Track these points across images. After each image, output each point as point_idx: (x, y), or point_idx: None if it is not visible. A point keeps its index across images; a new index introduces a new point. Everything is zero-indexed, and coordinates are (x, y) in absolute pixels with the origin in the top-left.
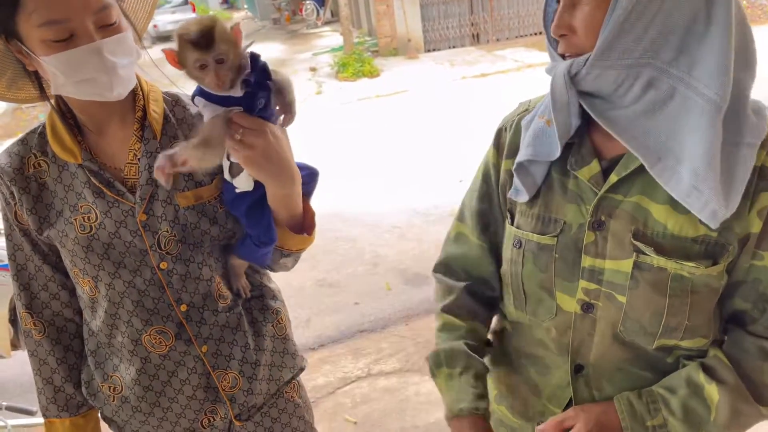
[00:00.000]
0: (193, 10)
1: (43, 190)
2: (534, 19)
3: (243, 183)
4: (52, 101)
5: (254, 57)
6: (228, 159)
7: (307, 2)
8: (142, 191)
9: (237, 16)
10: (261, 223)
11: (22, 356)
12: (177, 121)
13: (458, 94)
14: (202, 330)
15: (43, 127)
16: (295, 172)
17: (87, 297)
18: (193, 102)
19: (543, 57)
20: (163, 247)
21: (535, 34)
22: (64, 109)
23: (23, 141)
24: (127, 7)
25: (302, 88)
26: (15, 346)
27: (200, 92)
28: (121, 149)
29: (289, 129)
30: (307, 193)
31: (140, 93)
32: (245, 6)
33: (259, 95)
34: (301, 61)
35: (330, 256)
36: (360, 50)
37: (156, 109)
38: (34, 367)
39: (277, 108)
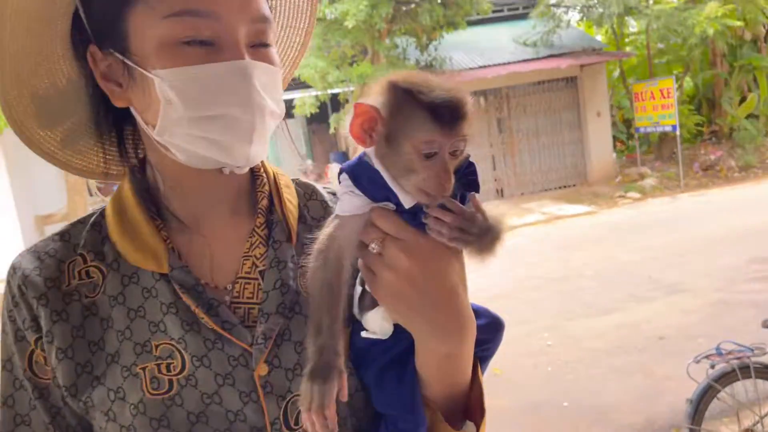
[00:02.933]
0: None
1: (89, 316)
2: (557, 173)
3: (375, 324)
4: (127, 170)
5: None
6: (361, 283)
7: (332, 164)
8: (267, 325)
9: None
10: (399, 399)
11: None
12: (313, 221)
13: None
14: None
15: (100, 215)
16: (467, 319)
17: None
18: (339, 180)
19: (572, 209)
20: (294, 425)
21: (560, 187)
22: (144, 187)
23: (63, 235)
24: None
25: None
26: None
27: (352, 172)
28: (227, 256)
29: None
30: (484, 356)
31: (263, 175)
32: None
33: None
34: None
35: None
36: None
37: (291, 200)
38: None
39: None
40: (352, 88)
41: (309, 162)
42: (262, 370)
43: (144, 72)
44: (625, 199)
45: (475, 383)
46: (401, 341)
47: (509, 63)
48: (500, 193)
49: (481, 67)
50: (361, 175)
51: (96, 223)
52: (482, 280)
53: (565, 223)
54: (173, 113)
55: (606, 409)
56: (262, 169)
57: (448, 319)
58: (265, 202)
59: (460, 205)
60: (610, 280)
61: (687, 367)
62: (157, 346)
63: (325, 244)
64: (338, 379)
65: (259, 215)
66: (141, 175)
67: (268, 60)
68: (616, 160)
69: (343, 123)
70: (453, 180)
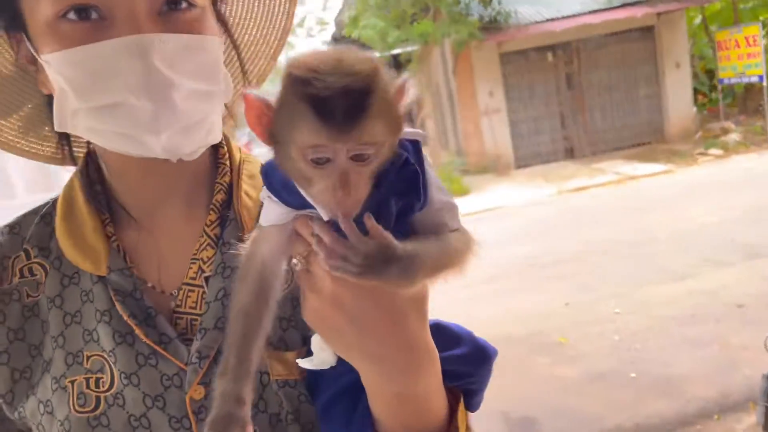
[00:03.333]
0: None
1: (31, 318)
2: (631, 131)
3: (317, 348)
4: (80, 160)
5: (405, 146)
6: None
7: None
8: (204, 342)
9: None
10: None
11: None
12: None
13: (555, 209)
14: None
15: (52, 205)
16: (420, 354)
17: None
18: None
19: (646, 168)
20: None
21: (634, 146)
22: (94, 177)
23: (13, 227)
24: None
25: None
26: None
27: (265, 172)
28: (177, 256)
29: None
30: (472, 390)
31: (227, 162)
32: None
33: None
34: None
35: None
36: (449, 169)
37: (251, 193)
38: None
39: None
40: (413, 48)
41: None
42: (197, 393)
43: (38, 57)
44: (705, 156)
45: (452, 424)
46: (350, 373)
47: (579, 14)
48: (570, 153)
49: (548, 20)
50: (274, 177)
51: (46, 215)
52: (545, 244)
53: (639, 183)
54: (68, 103)
55: (676, 381)
56: (226, 155)
57: (390, 353)
58: (221, 195)
59: (352, 226)
60: (686, 244)
61: (765, 340)
62: (88, 358)
63: (245, 262)
64: None
65: (212, 211)
66: (95, 163)
67: (188, 27)
68: (696, 114)
69: None
70: (359, 192)
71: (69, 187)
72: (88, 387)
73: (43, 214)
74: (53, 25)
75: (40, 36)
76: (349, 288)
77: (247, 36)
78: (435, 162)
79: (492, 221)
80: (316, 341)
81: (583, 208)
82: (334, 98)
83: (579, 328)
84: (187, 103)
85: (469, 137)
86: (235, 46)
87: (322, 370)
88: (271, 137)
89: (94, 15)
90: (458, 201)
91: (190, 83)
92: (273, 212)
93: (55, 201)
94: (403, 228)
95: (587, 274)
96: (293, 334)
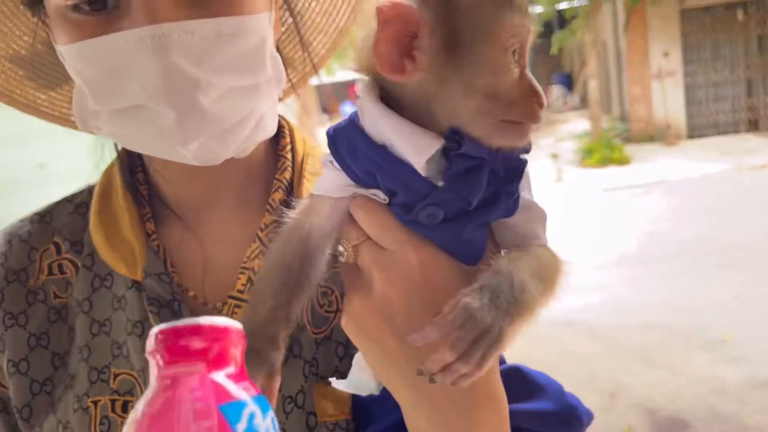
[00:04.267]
0: None
1: (57, 322)
2: None
3: (357, 366)
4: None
5: None
6: None
7: (554, 86)
8: None
9: None
10: None
11: None
12: None
13: (731, 187)
14: None
15: (89, 193)
16: (481, 394)
17: None
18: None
19: None
20: None
21: None
22: (136, 165)
23: (43, 216)
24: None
25: (541, 175)
26: None
27: (333, 136)
28: (225, 263)
29: None
30: None
31: (288, 156)
32: None
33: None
34: (541, 147)
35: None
36: (609, 136)
37: None
38: None
39: None
40: (580, 3)
41: None
42: None
43: (55, 46)
44: None
45: None
46: (393, 412)
47: None
48: (753, 125)
49: None
50: (341, 139)
51: (82, 204)
52: (716, 226)
53: None
54: (86, 101)
55: None
56: (288, 146)
57: (440, 389)
58: (279, 194)
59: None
60: None
61: None
62: (116, 376)
63: (288, 229)
64: (264, 379)
65: (268, 212)
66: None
67: (223, 7)
68: None
69: (569, 40)
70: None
71: (107, 175)
72: (113, 411)
73: (78, 204)
74: (64, 13)
75: (53, 23)
76: (403, 293)
77: (314, 3)
78: (594, 127)
79: (655, 196)
80: (358, 358)
81: (764, 188)
82: None
83: (748, 327)
84: (221, 105)
85: (636, 102)
86: (295, 20)
87: (369, 401)
88: (440, 50)
89: (110, 2)
90: (618, 171)
91: (226, 80)
92: (331, 181)
93: (91, 189)
94: (479, 233)
95: (764, 265)
96: (349, 366)
